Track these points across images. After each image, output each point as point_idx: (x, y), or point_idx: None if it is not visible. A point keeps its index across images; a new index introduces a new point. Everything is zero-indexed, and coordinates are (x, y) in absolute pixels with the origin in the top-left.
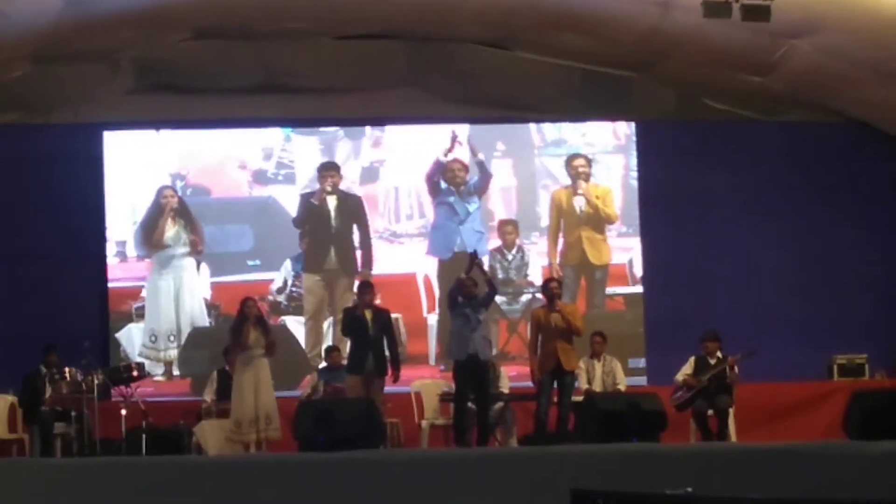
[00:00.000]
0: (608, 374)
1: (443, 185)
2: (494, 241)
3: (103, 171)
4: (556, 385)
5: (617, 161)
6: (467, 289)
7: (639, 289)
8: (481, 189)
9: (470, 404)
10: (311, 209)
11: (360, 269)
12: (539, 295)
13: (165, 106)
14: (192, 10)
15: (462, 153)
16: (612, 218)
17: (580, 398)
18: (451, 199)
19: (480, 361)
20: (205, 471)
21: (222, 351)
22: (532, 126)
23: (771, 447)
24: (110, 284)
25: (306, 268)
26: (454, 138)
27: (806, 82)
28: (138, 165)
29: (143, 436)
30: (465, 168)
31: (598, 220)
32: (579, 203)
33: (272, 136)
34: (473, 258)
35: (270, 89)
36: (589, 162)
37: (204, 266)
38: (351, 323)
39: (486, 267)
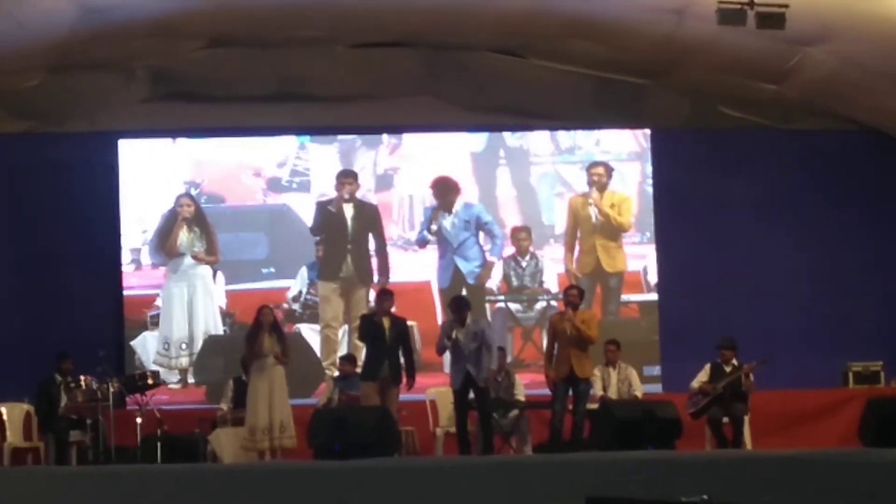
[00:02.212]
0: (623, 381)
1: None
2: (508, 249)
3: (118, 179)
4: (570, 393)
5: (632, 168)
6: (450, 327)
7: (654, 296)
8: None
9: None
10: (328, 217)
11: (377, 278)
12: (554, 302)
13: (180, 114)
14: (206, 19)
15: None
16: (624, 227)
17: (595, 406)
18: (446, 226)
19: (478, 387)
20: (220, 479)
21: (241, 359)
22: (547, 133)
23: (786, 455)
24: (125, 292)
25: (322, 276)
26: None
27: (820, 90)
28: (153, 174)
29: (159, 444)
30: (457, 190)
31: (611, 229)
32: (594, 211)
33: (286, 144)
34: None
35: (285, 97)
36: (608, 171)
37: (219, 274)
38: (368, 329)
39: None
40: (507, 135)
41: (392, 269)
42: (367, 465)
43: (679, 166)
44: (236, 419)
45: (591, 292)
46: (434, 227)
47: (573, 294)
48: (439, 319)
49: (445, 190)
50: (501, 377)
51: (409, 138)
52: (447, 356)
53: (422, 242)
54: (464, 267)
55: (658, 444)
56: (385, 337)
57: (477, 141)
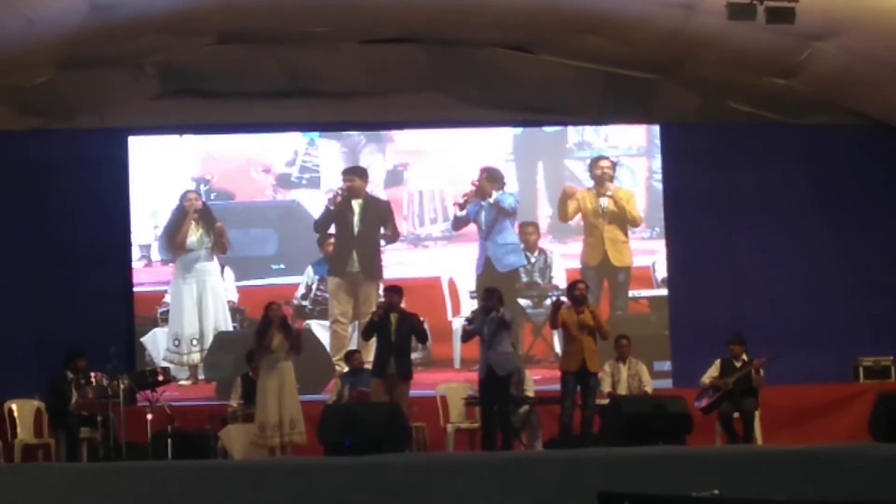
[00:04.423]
0: (634, 377)
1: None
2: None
3: (128, 175)
4: (578, 388)
5: (640, 164)
6: (474, 313)
7: (663, 291)
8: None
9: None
10: (328, 213)
11: (384, 274)
12: (563, 298)
13: (189, 110)
14: (216, 15)
15: (497, 162)
16: (637, 220)
17: (605, 401)
18: (481, 211)
19: (499, 376)
20: (230, 475)
21: (245, 355)
22: (555, 129)
23: (796, 450)
24: (135, 289)
25: (332, 272)
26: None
27: (830, 84)
28: (163, 170)
29: (169, 440)
30: (500, 181)
31: (622, 222)
32: (604, 204)
33: (296, 140)
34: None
35: (294, 93)
36: (613, 165)
37: (228, 270)
38: (372, 326)
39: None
40: (515, 130)
41: (402, 265)
42: (377, 461)
43: (688, 161)
44: (247, 415)
45: (598, 287)
46: (462, 213)
47: (581, 288)
48: (450, 315)
49: (487, 178)
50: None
51: (417, 134)
52: (459, 348)
53: (455, 225)
54: (493, 253)
55: (668, 440)
56: (391, 333)
57: (486, 137)
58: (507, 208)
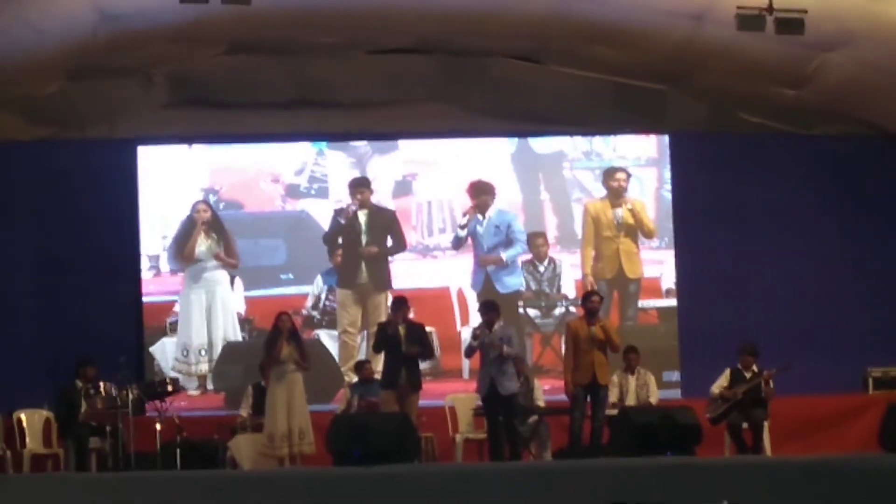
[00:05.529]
0: (642, 387)
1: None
2: (524, 255)
3: (137, 185)
4: (588, 399)
5: (649, 174)
6: (479, 328)
7: (672, 302)
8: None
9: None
10: (339, 226)
11: (392, 284)
12: (573, 308)
13: (199, 120)
14: (225, 25)
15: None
16: (653, 232)
17: (614, 412)
18: (477, 226)
19: (501, 396)
20: (239, 485)
21: (259, 366)
22: (564, 139)
23: (806, 460)
24: (144, 299)
25: (340, 283)
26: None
27: (839, 95)
28: (172, 180)
29: (178, 450)
30: (492, 192)
31: (636, 233)
32: (619, 215)
33: (305, 151)
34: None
35: (303, 104)
36: (628, 176)
37: (237, 280)
38: (383, 339)
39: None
40: (524, 141)
41: (411, 275)
42: (386, 471)
43: (698, 172)
44: (255, 425)
45: (608, 298)
46: (464, 232)
47: (595, 301)
48: (458, 326)
49: (480, 192)
50: (521, 382)
51: (426, 144)
52: (467, 362)
53: (456, 243)
54: (492, 272)
55: (677, 450)
56: (401, 345)
57: (495, 147)
58: (513, 231)
